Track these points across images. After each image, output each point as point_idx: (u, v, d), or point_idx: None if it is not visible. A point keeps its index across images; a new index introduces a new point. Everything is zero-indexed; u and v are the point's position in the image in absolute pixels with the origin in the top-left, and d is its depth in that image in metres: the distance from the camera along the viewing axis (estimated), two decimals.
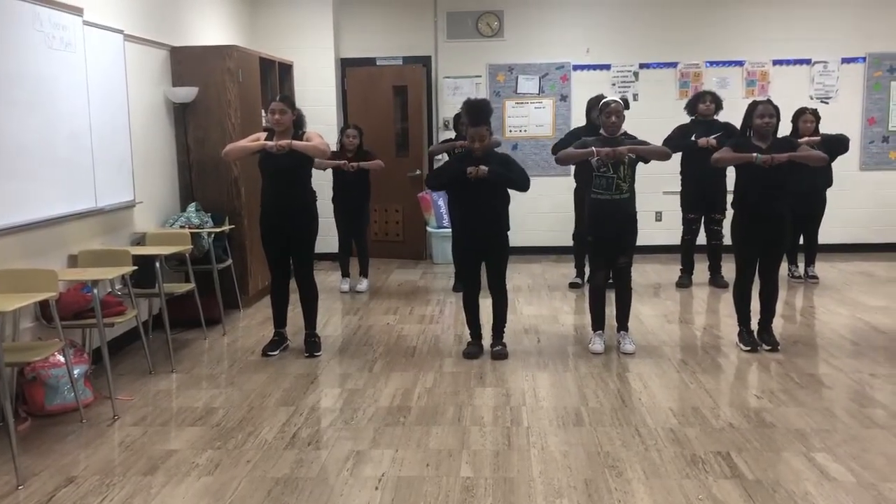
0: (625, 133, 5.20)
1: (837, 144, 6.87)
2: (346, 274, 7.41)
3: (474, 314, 5.26)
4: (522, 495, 3.27)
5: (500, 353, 5.18)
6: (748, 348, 5.18)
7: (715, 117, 6.98)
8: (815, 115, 7.00)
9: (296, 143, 5.00)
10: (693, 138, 6.87)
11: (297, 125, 5.16)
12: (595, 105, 6.64)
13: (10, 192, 4.27)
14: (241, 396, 4.55)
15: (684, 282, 7.20)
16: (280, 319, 5.44)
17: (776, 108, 5.10)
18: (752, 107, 5.15)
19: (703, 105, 7.00)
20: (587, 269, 6.53)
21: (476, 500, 3.23)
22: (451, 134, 8.06)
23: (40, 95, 4.55)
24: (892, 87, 8.69)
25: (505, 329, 5.30)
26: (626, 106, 5.23)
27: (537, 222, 8.59)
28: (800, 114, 6.99)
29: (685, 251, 7.23)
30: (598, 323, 5.33)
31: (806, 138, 6.51)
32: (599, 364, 5.02)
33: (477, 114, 4.99)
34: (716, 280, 7.14)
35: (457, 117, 7.32)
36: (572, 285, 7.27)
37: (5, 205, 4.21)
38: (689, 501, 3.19)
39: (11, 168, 4.28)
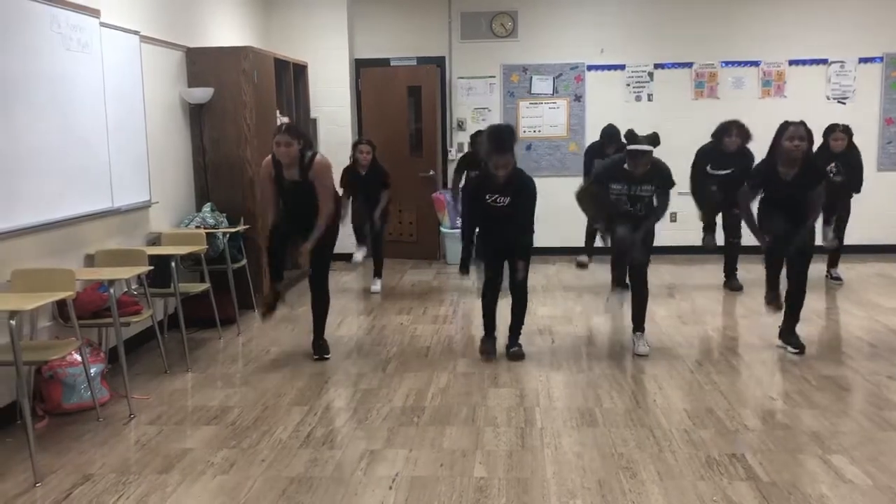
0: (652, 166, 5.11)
1: (854, 182, 6.89)
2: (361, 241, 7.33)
3: (491, 309, 5.26)
4: (536, 496, 3.27)
5: (517, 354, 5.17)
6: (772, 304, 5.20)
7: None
8: (847, 131, 6.86)
9: (311, 243, 5.00)
10: (708, 169, 6.77)
11: (304, 150, 5.08)
12: (610, 136, 6.73)
13: (28, 193, 4.31)
14: (256, 396, 4.57)
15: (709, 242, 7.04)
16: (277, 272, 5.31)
17: (808, 132, 4.88)
18: (783, 127, 4.92)
19: (727, 139, 6.69)
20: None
21: (489, 501, 3.23)
22: (464, 135, 8.13)
23: (57, 96, 4.59)
24: None
25: (521, 331, 5.30)
26: (657, 143, 5.03)
27: (552, 223, 8.57)
28: (830, 130, 6.84)
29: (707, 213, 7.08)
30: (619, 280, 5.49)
31: (833, 165, 6.60)
32: (613, 365, 5.01)
33: (502, 142, 4.89)
34: (731, 283, 7.08)
35: (474, 136, 7.32)
36: (579, 264, 7.29)
37: (23, 205, 4.25)
38: (704, 503, 3.18)
39: (28, 168, 4.32)
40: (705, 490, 3.29)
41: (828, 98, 8.59)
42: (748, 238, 5.32)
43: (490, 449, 3.74)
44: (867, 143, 8.39)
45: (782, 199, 4.91)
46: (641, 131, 5.14)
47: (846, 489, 3.27)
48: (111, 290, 4.37)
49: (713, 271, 7.20)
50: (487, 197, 4.99)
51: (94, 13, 4.98)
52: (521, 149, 8.67)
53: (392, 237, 8.90)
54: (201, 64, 6.44)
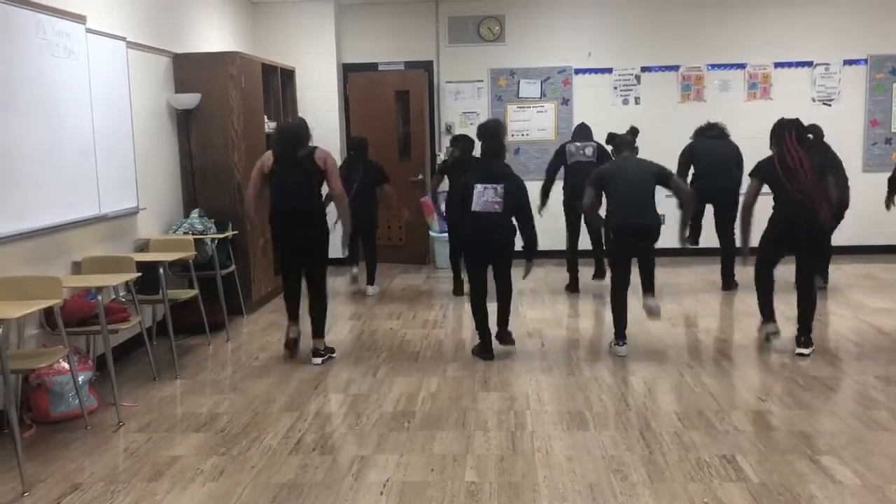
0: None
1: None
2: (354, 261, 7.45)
3: (483, 316, 5.27)
4: (527, 500, 3.26)
5: (507, 338, 5.31)
6: (774, 331, 5.26)
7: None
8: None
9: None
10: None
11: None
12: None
13: (14, 200, 4.28)
14: (246, 402, 4.55)
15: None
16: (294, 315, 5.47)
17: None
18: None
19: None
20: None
21: None
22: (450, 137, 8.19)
23: (44, 103, 4.57)
24: (895, 89, 8.68)
25: (509, 319, 5.35)
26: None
27: (539, 226, 8.58)
28: None
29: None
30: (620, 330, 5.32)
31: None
32: (603, 367, 5.02)
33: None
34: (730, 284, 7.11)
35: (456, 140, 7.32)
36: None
37: (9, 212, 4.23)
38: None
39: (15, 175, 4.29)
40: (696, 492, 3.29)
41: (813, 100, 8.65)
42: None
43: (481, 453, 3.74)
44: (853, 145, 8.48)
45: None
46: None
47: (836, 489, 3.29)
48: (99, 298, 4.35)
49: (701, 273, 7.24)
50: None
51: (80, 19, 4.96)
52: (510, 152, 8.67)
53: (381, 241, 8.88)
54: (188, 70, 6.42)
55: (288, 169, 5.11)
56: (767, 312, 5.33)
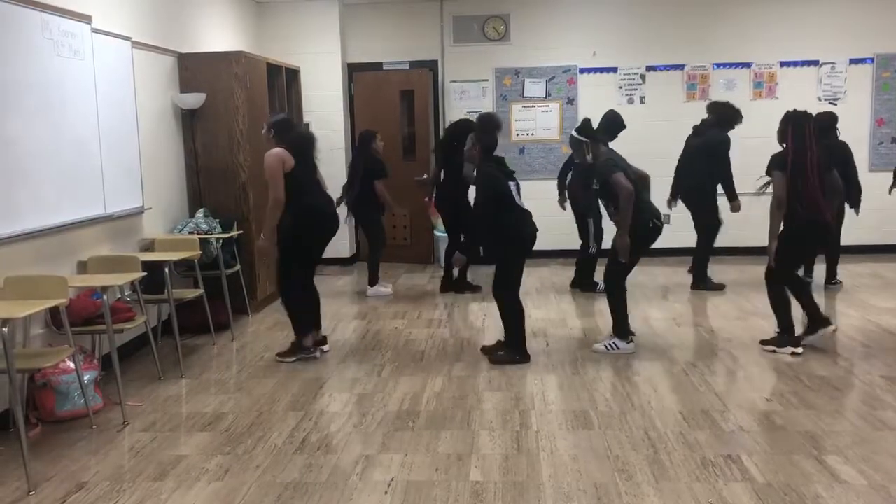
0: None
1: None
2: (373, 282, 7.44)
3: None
4: (532, 499, 3.26)
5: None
6: (800, 351, 5.13)
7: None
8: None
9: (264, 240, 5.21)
10: None
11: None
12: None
13: (20, 199, 4.29)
14: (251, 401, 4.56)
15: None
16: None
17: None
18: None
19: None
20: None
21: None
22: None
23: (49, 102, 4.58)
24: None
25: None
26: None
27: (544, 226, 8.56)
28: None
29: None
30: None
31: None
32: (608, 367, 5.01)
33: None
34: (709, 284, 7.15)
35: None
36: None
37: (15, 212, 4.24)
38: None
39: (21, 175, 4.30)
40: (701, 491, 3.29)
41: (819, 99, 8.61)
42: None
43: (486, 453, 3.74)
44: (858, 145, 8.42)
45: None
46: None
47: (841, 489, 3.28)
48: (104, 297, 4.35)
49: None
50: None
51: (86, 19, 4.97)
52: (515, 152, 8.70)
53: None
54: (193, 69, 6.43)
55: (311, 171, 5.26)
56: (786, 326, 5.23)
